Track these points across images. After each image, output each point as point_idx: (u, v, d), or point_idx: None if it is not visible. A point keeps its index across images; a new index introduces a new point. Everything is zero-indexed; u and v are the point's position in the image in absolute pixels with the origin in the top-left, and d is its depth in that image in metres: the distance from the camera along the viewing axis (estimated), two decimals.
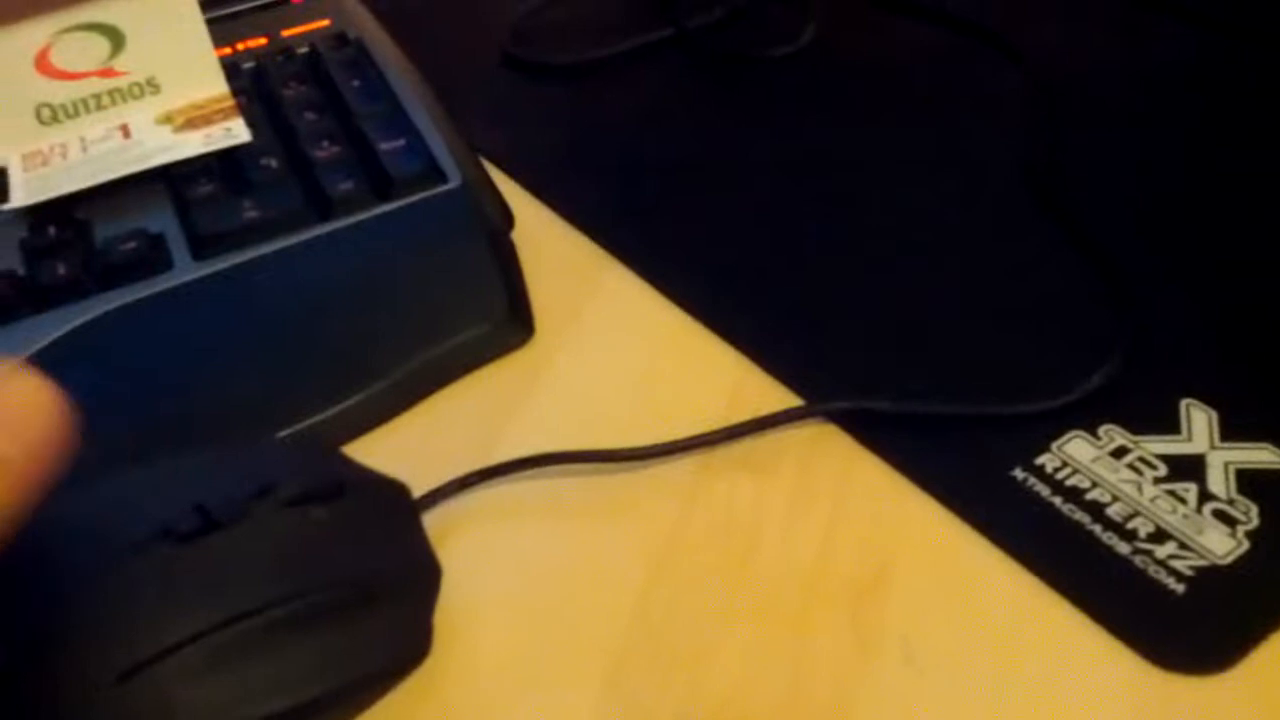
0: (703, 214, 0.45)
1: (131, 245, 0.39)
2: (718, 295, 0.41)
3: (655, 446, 0.35)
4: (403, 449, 0.37)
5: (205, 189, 0.41)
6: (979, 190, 0.45)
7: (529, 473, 0.35)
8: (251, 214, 0.40)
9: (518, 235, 0.42)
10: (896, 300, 0.40)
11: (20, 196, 0.40)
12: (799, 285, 0.41)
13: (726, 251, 0.43)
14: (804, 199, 0.45)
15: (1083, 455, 0.34)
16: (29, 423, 0.22)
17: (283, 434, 0.37)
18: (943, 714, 0.29)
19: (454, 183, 0.42)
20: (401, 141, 0.42)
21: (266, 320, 0.38)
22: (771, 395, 0.37)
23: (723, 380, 0.38)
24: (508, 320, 0.40)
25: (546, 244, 0.43)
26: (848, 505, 0.34)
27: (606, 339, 0.40)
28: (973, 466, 0.34)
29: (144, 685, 0.25)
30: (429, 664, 0.30)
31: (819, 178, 0.46)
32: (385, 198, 0.41)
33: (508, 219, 0.42)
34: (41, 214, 0.40)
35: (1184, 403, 0.36)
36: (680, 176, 0.47)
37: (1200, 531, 0.32)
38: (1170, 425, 0.35)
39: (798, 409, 0.36)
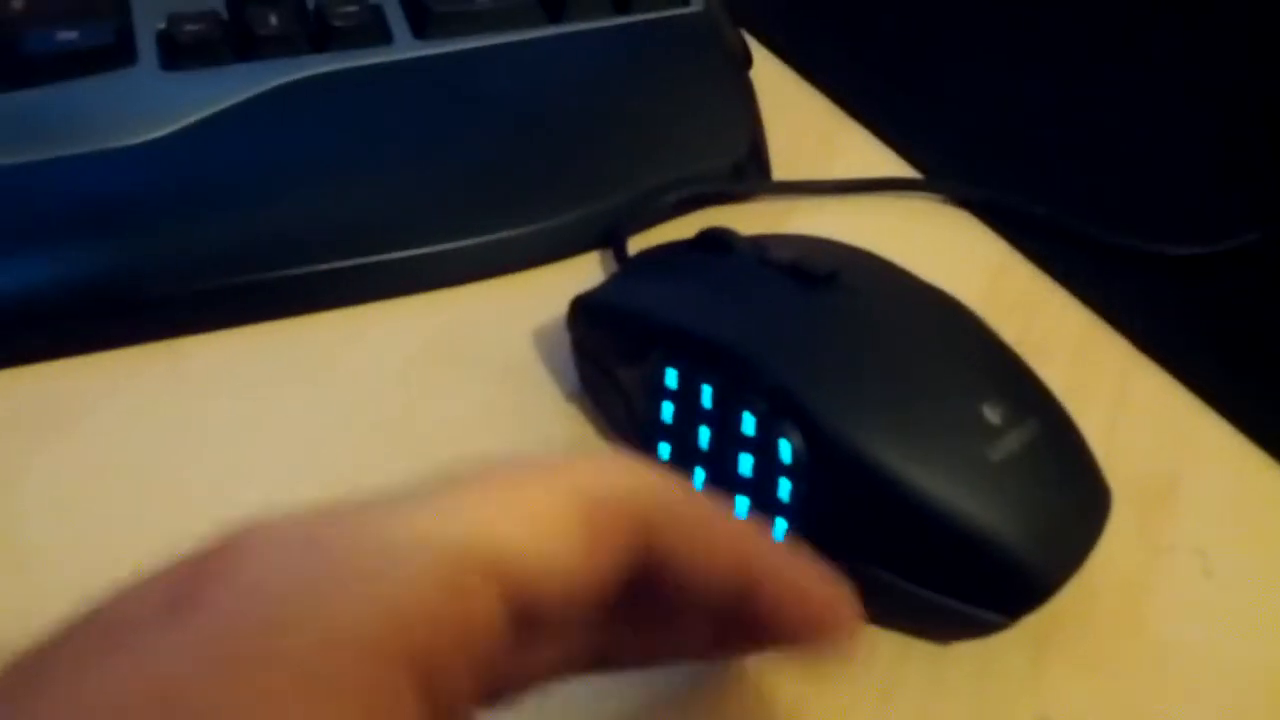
0: (944, 76, 0.42)
1: (351, 9, 0.35)
2: (968, 164, 0.38)
3: None
4: None
5: None
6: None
7: None
8: (481, 0, 0.36)
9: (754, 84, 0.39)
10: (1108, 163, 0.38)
11: None
12: (1051, 166, 0.39)
13: (971, 116, 0.40)
14: (1055, 77, 0.43)
15: None
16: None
17: (487, 240, 0.33)
18: (1248, 630, 0.27)
19: (696, 7, 0.38)
20: None
21: (487, 114, 0.35)
22: (1036, 282, 0.34)
23: (981, 258, 0.35)
24: (747, 160, 0.37)
25: (782, 96, 0.40)
26: (1128, 408, 0.31)
27: (850, 198, 0.37)
28: (1262, 389, 0.32)
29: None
30: None
31: (1070, 54, 0.44)
32: (624, 9, 0.38)
33: (747, 56, 0.39)
34: None
35: None
36: (921, 35, 0.44)
37: None
38: None
39: None
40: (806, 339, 0.25)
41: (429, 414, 0.29)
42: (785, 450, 0.24)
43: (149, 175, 0.31)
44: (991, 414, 0.24)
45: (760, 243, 0.28)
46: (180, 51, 0.33)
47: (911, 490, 0.23)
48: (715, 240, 0.28)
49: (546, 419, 0.29)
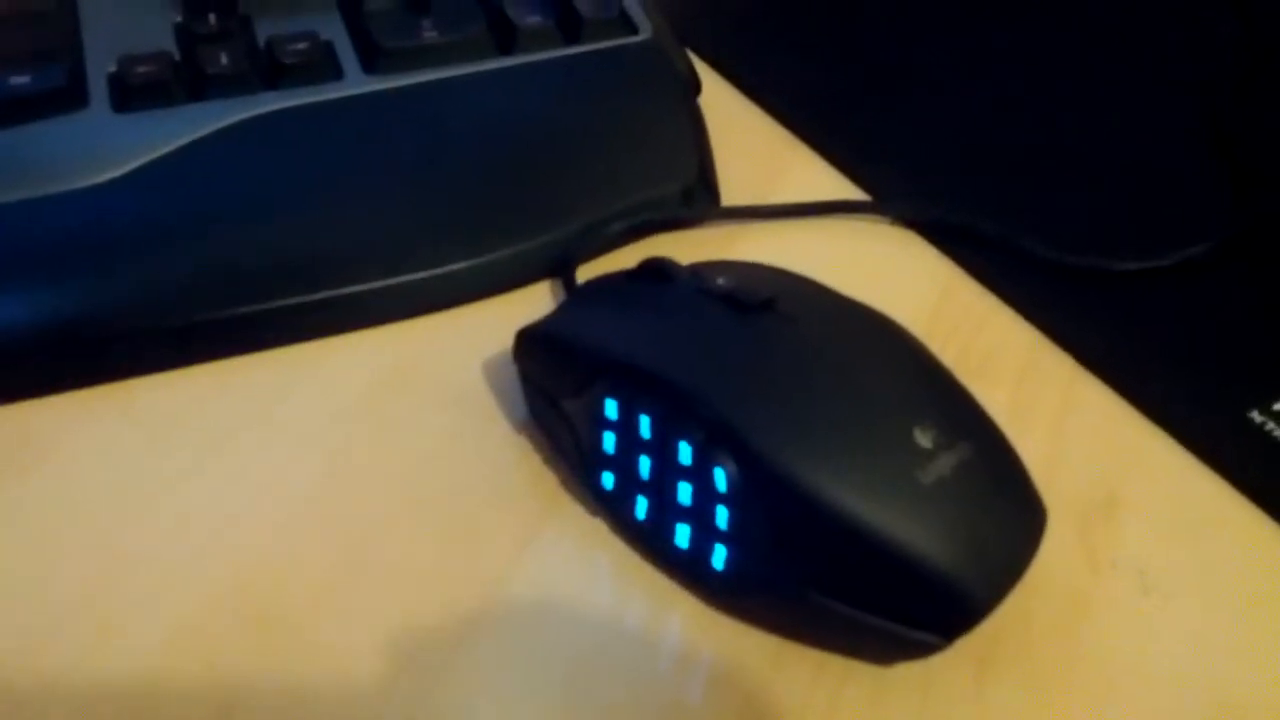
0: (894, 96, 0.42)
1: (302, 46, 0.36)
2: (919, 186, 0.38)
3: None
4: None
5: (380, 2, 0.38)
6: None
7: None
8: (430, 34, 0.37)
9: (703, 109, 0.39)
10: (1058, 186, 0.38)
11: None
12: (1001, 184, 0.39)
13: (920, 137, 0.41)
14: (1002, 95, 0.43)
15: None
16: None
17: (439, 273, 0.34)
18: (1189, 647, 0.27)
19: (645, 35, 0.39)
20: None
21: (438, 148, 0.35)
22: (982, 301, 0.35)
23: (928, 279, 0.35)
24: (696, 186, 0.37)
25: (731, 119, 0.40)
26: (1071, 425, 0.32)
27: (798, 221, 0.37)
28: (1206, 403, 0.32)
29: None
30: None
31: (1015, 72, 0.44)
32: (573, 39, 0.38)
33: (695, 82, 0.39)
34: (197, 1, 0.37)
35: None
36: (870, 56, 0.44)
37: None
38: None
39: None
40: (741, 368, 0.25)
41: (382, 447, 0.30)
42: (721, 479, 0.24)
43: (102, 217, 0.31)
44: (923, 438, 0.24)
45: (699, 271, 0.29)
46: (132, 93, 0.34)
47: (843, 516, 0.23)
48: (656, 270, 0.29)
49: (496, 450, 0.30)
